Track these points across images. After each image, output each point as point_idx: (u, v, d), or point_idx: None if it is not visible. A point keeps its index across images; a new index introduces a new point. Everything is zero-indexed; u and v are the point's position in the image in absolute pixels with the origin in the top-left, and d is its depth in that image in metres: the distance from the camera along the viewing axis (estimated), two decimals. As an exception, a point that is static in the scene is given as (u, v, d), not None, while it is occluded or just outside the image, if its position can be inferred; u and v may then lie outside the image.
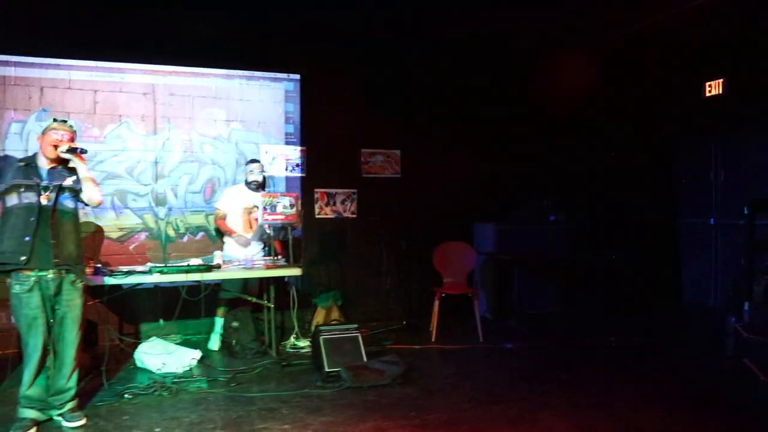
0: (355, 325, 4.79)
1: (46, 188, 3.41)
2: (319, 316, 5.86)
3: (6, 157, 3.69)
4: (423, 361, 4.94)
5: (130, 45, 5.58)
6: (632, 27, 6.44)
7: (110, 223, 5.60)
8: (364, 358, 4.53)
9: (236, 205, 5.41)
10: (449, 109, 6.75)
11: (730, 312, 5.11)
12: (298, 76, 6.24)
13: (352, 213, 6.45)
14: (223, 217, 5.41)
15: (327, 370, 4.38)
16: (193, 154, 5.91)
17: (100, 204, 3.75)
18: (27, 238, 3.32)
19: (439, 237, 6.17)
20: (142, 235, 5.71)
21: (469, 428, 3.43)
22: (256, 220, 5.17)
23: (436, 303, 5.67)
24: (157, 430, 3.42)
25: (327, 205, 6.35)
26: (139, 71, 5.73)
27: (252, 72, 6.08)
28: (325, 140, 6.29)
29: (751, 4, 5.71)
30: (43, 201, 3.37)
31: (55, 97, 5.45)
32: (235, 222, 5.40)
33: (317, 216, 6.32)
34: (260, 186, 5.48)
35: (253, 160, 5.57)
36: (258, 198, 5.06)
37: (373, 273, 6.45)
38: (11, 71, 5.34)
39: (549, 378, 4.43)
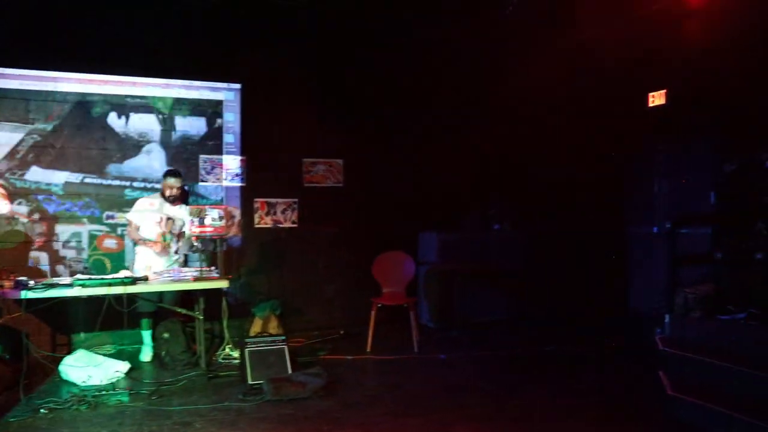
0: (283, 337, 4.82)
1: None
2: (256, 326, 5.86)
3: None
4: (352, 371, 4.99)
5: (64, 54, 5.54)
6: (577, 36, 6.56)
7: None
8: (289, 371, 4.57)
9: (148, 217, 5.32)
10: (393, 118, 6.82)
11: (657, 324, 5.26)
12: (238, 86, 6.26)
13: (293, 222, 6.49)
14: (136, 228, 5.33)
15: (250, 382, 4.42)
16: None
17: (9, 214, 3.71)
18: None
19: (383, 246, 6.21)
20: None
21: (376, 444, 3.50)
22: (181, 234, 5.17)
23: (373, 313, 5.72)
24: (64, 445, 3.43)
25: (267, 214, 6.38)
26: (74, 80, 5.69)
27: (191, 81, 6.07)
28: (266, 150, 6.33)
29: (694, 15, 5.86)
30: None
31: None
32: (149, 233, 5.32)
33: (257, 225, 6.35)
34: (178, 199, 5.43)
35: (172, 172, 5.46)
36: (175, 211, 5.06)
37: (315, 282, 6.50)
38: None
39: (474, 389, 4.51)
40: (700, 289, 5.04)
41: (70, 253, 5.70)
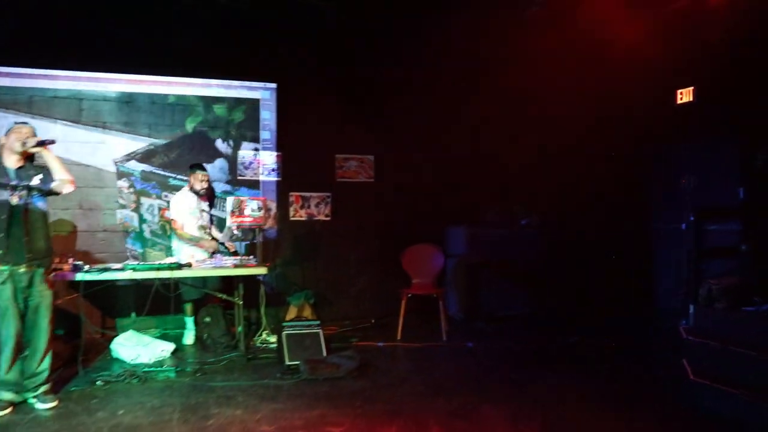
0: (318, 322, 5.07)
1: (15, 187, 3.70)
2: (291, 314, 6.11)
3: None
4: (382, 357, 5.22)
5: (111, 56, 5.91)
6: (604, 33, 6.65)
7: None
8: (324, 353, 4.82)
9: (188, 213, 5.56)
10: (423, 115, 7.02)
11: (683, 318, 5.36)
12: (274, 85, 6.56)
13: (326, 216, 6.76)
14: (182, 227, 5.53)
15: (287, 363, 4.68)
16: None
17: (73, 187, 3.98)
18: (12, 238, 3.63)
19: (412, 240, 6.40)
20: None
21: (408, 418, 3.68)
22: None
23: (403, 303, 5.93)
24: (120, 412, 3.73)
25: (302, 207, 6.66)
26: (122, 81, 6.07)
27: (230, 81, 6.39)
28: (301, 146, 6.61)
29: (723, 12, 5.92)
30: (14, 200, 3.67)
31: (42, 106, 5.80)
32: (190, 228, 5.55)
33: (292, 218, 6.63)
34: (207, 192, 5.70)
35: (198, 166, 5.70)
36: (205, 204, 5.44)
37: (347, 273, 6.74)
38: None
39: (500, 376, 4.68)
40: (725, 281, 5.12)
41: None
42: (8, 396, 3.76)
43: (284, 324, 4.98)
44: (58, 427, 3.51)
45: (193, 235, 5.54)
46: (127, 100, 6.13)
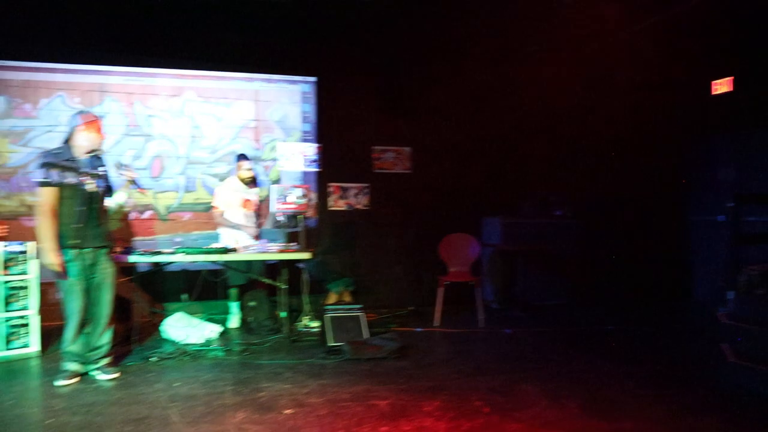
0: (359, 306, 5.22)
1: (90, 175, 3.96)
2: (331, 301, 6.31)
3: (46, 153, 4.01)
4: (422, 340, 5.34)
5: (161, 52, 6.17)
6: (638, 25, 6.65)
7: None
8: (365, 335, 4.97)
9: (232, 200, 5.79)
10: (459, 107, 7.16)
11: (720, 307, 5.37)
12: (314, 79, 6.75)
13: (365, 206, 6.92)
14: (221, 214, 5.78)
15: (330, 344, 4.84)
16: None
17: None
18: (76, 220, 3.87)
19: (448, 229, 6.50)
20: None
21: (450, 394, 3.80)
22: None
23: (440, 290, 6.04)
24: (176, 384, 3.94)
25: (341, 198, 6.83)
26: (170, 75, 6.32)
27: (271, 75, 6.60)
28: (340, 138, 6.79)
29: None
30: (89, 188, 3.91)
31: (93, 100, 6.09)
32: (234, 215, 5.80)
33: (331, 208, 6.81)
34: (252, 181, 5.90)
35: (244, 156, 5.91)
36: (250, 192, 5.58)
37: (384, 262, 6.89)
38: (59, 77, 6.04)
39: (538, 357, 4.77)
40: (765, 267, 5.12)
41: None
42: (74, 366, 4.00)
43: (326, 307, 5.15)
44: (121, 395, 3.73)
45: (235, 221, 5.75)
46: (175, 94, 6.38)
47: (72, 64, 6.09)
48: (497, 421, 3.31)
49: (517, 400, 3.68)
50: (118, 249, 4.71)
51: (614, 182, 7.29)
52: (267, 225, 5.84)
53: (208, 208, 6.18)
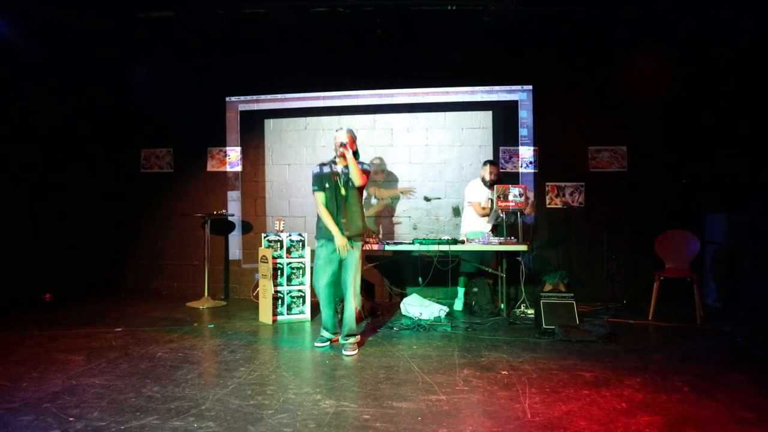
0: (572, 294, 5.72)
1: (339, 178, 4.97)
2: (546, 290, 6.86)
3: (321, 165, 5.12)
4: (633, 331, 5.63)
5: (398, 75, 7.37)
6: None
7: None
8: (576, 321, 5.47)
9: (479, 197, 6.68)
10: (677, 104, 7.17)
11: None
12: (530, 87, 7.36)
13: (580, 203, 7.31)
14: (478, 205, 6.69)
15: (543, 326, 5.44)
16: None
17: (363, 184, 5.04)
18: (335, 217, 5.03)
19: (665, 226, 6.61)
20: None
21: (653, 374, 4.13)
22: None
23: (655, 285, 6.20)
24: (414, 347, 4.93)
25: (557, 196, 7.33)
26: (405, 94, 7.49)
27: (491, 87, 7.38)
28: (555, 140, 7.30)
29: None
30: (342, 191, 5.04)
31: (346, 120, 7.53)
32: (471, 211, 6.72)
33: (548, 206, 7.35)
34: (494, 183, 6.64)
35: (490, 162, 6.72)
36: (489, 192, 6.34)
37: (599, 257, 7.17)
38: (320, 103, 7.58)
39: (759, 355, 4.73)
40: None
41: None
42: (326, 334, 5.10)
43: (541, 294, 5.75)
44: (372, 350, 4.84)
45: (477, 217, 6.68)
46: (409, 110, 7.53)
47: (326, 92, 7.63)
48: (695, 398, 3.60)
49: (721, 386, 3.86)
50: (370, 240, 5.88)
51: None
52: (490, 220, 6.60)
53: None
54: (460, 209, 7.24)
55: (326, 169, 5.01)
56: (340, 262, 5.00)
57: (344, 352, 4.76)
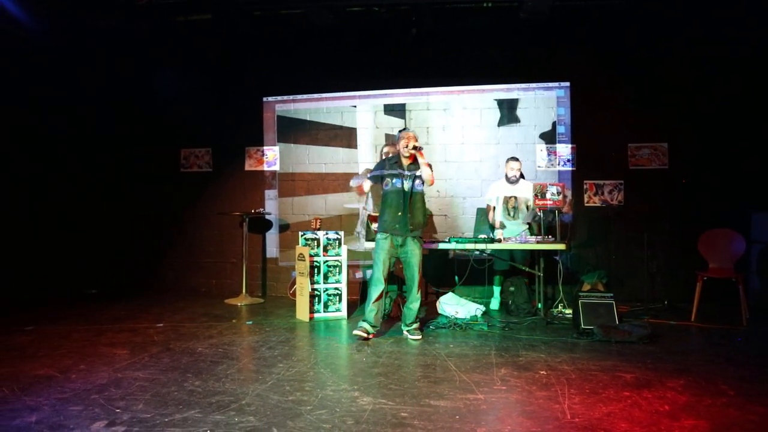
0: (611, 294, 5.62)
1: (404, 176, 5.12)
2: (585, 289, 6.75)
3: (384, 159, 5.46)
4: (675, 332, 5.50)
5: (433, 73, 7.36)
6: None
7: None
8: (616, 321, 5.37)
9: (498, 198, 6.59)
10: (719, 100, 6.99)
11: None
12: (567, 83, 7.26)
13: (619, 202, 7.18)
14: (492, 209, 6.61)
15: (582, 327, 5.36)
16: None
17: (432, 183, 5.20)
18: (399, 213, 5.07)
19: (707, 224, 6.39)
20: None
21: (696, 376, 4.04)
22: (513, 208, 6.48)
23: (698, 285, 6.03)
24: (451, 345, 4.93)
25: (595, 194, 7.22)
26: (440, 93, 7.48)
27: (527, 84, 7.30)
28: (593, 137, 7.19)
29: None
30: (405, 187, 5.09)
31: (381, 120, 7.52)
32: (497, 210, 6.60)
33: (586, 204, 7.24)
34: (518, 180, 6.57)
35: (513, 158, 6.61)
36: (515, 189, 6.28)
37: (639, 257, 7.04)
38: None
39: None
40: None
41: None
42: (365, 325, 5.18)
43: (580, 293, 5.67)
44: (408, 349, 4.86)
45: (497, 218, 6.58)
46: (444, 108, 7.51)
47: (361, 91, 7.69)
48: (741, 402, 3.51)
49: (766, 388, 3.76)
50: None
51: None
52: (527, 218, 6.53)
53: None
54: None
55: (390, 168, 5.20)
56: (401, 257, 5.22)
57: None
